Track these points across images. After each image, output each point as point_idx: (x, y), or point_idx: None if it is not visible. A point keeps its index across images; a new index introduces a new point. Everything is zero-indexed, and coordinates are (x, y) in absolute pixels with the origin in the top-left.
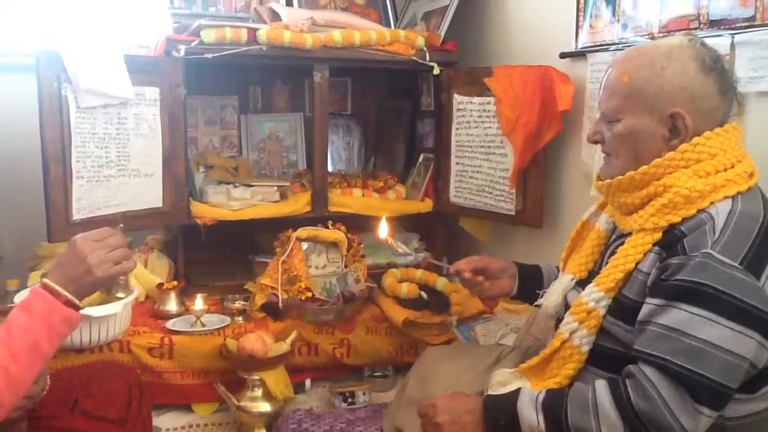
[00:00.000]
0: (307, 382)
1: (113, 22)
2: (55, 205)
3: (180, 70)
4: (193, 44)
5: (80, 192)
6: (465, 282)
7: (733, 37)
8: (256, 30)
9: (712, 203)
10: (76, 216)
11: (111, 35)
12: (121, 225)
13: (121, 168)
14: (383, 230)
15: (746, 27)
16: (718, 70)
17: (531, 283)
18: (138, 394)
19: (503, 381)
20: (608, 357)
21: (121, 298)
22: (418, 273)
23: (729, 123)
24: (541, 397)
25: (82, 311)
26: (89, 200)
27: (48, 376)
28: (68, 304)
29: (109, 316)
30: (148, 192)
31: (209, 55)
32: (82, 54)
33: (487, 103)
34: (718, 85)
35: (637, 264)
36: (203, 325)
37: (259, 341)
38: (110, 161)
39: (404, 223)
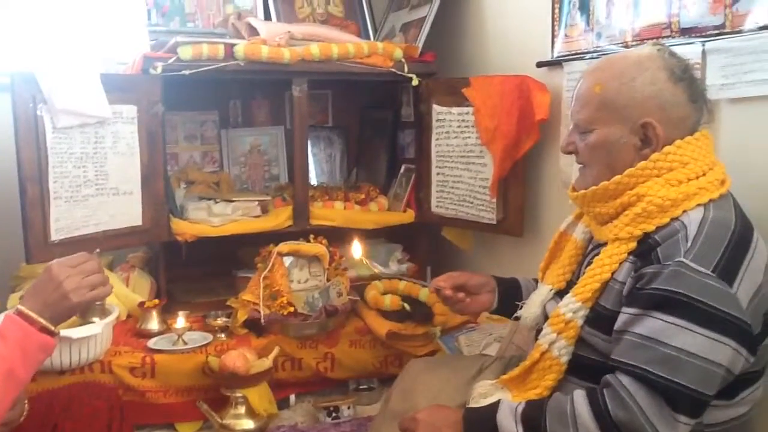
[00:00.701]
0: (292, 398)
1: (89, 40)
2: (33, 225)
3: (157, 87)
4: (170, 61)
5: (58, 212)
6: (445, 300)
7: (703, 45)
8: (233, 45)
9: (684, 211)
10: (55, 236)
11: (87, 54)
12: (98, 250)
13: (100, 187)
14: (357, 250)
15: (716, 35)
16: (688, 79)
17: (510, 297)
18: (119, 415)
19: (485, 393)
20: (588, 367)
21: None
22: (401, 284)
23: (699, 131)
24: (520, 409)
25: (62, 333)
26: (67, 220)
27: (26, 401)
28: (43, 330)
29: (90, 337)
30: (127, 210)
31: (187, 72)
32: (57, 74)
33: (466, 113)
34: (688, 94)
35: (613, 274)
36: (185, 343)
37: (240, 358)
38: (88, 180)
39: (387, 235)
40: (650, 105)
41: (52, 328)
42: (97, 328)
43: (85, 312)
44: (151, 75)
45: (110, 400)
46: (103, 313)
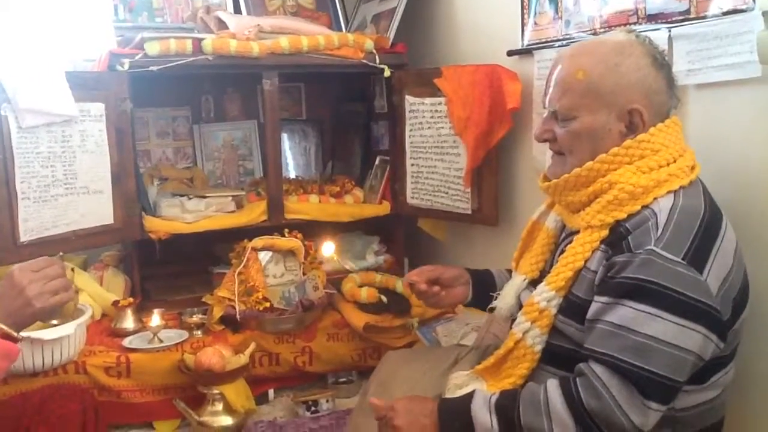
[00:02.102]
0: (271, 393)
1: (54, 37)
2: (2, 227)
3: (125, 84)
4: (137, 57)
5: (27, 213)
6: (420, 294)
7: (669, 31)
8: (201, 40)
9: (655, 199)
10: (24, 237)
11: (51, 51)
12: (61, 253)
13: (69, 186)
14: (328, 249)
15: (682, 20)
16: (666, 65)
17: (484, 289)
18: (93, 417)
19: (460, 383)
20: (562, 355)
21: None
22: (378, 276)
23: (670, 118)
24: (494, 399)
25: (33, 335)
26: (37, 221)
27: None
28: (6, 336)
29: (62, 338)
30: (98, 209)
31: (154, 68)
32: (20, 72)
33: (439, 104)
34: (667, 80)
35: (585, 262)
36: (161, 341)
37: (216, 355)
38: (57, 180)
39: (363, 227)
40: (636, 91)
41: (15, 334)
42: (69, 329)
43: (48, 316)
44: (118, 72)
45: (84, 402)
46: (75, 313)
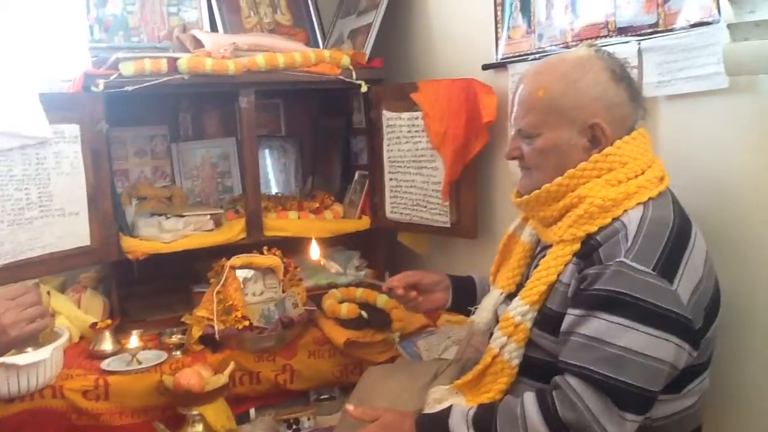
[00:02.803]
0: (252, 412)
1: (28, 59)
2: None
3: (100, 104)
4: (112, 78)
5: (1, 236)
6: (398, 299)
7: (639, 44)
8: (176, 59)
9: (625, 211)
10: None
11: (25, 73)
12: (36, 280)
13: (44, 209)
14: (315, 252)
15: (651, 33)
16: (627, 78)
17: (464, 295)
18: None
19: (439, 398)
20: (539, 368)
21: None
22: (359, 292)
23: (637, 130)
24: (471, 413)
25: (8, 360)
26: (12, 244)
27: None
28: None
29: (38, 363)
30: (74, 231)
31: (130, 88)
32: None
33: (416, 118)
34: (628, 93)
35: (558, 275)
36: (139, 362)
37: (195, 376)
38: (31, 203)
39: (344, 242)
40: (596, 106)
41: None
42: (45, 353)
43: (24, 344)
44: (93, 92)
45: (60, 427)
46: (51, 337)
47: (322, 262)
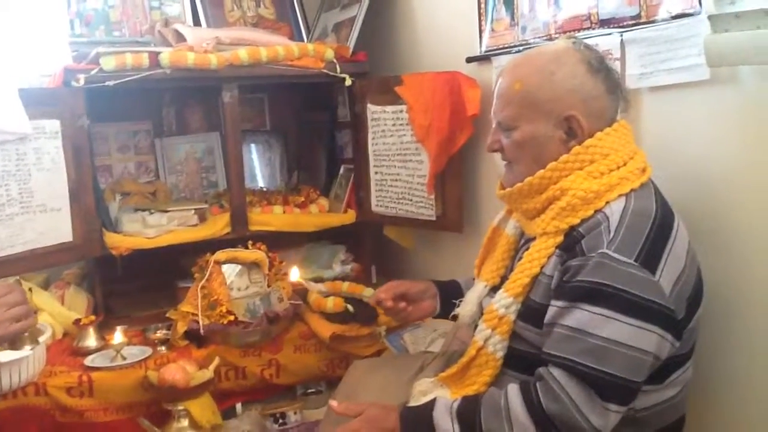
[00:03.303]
0: (238, 407)
1: (6, 53)
2: None
3: (81, 99)
4: (92, 72)
5: None
6: (388, 311)
7: (621, 35)
8: (158, 54)
9: (607, 203)
10: None
11: (4, 68)
12: (17, 277)
13: (25, 205)
14: (294, 274)
15: (633, 25)
16: (604, 70)
17: (452, 301)
18: None
19: (424, 390)
20: (523, 359)
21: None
22: (345, 285)
23: (618, 122)
24: (455, 405)
25: None
26: None
27: None
28: None
29: (20, 360)
30: (56, 227)
31: (111, 83)
32: None
33: (400, 111)
34: (606, 85)
35: (542, 268)
36: (124, 358)
37: (179, 371)
38: (12, 199)
39: (330, 236)
40: (572, 98)
41: None
42: (27, 351)
43: (12, 343)
44: (73, 87)
45: (43, 425)
46: (34, 335)
47: (303, 283)
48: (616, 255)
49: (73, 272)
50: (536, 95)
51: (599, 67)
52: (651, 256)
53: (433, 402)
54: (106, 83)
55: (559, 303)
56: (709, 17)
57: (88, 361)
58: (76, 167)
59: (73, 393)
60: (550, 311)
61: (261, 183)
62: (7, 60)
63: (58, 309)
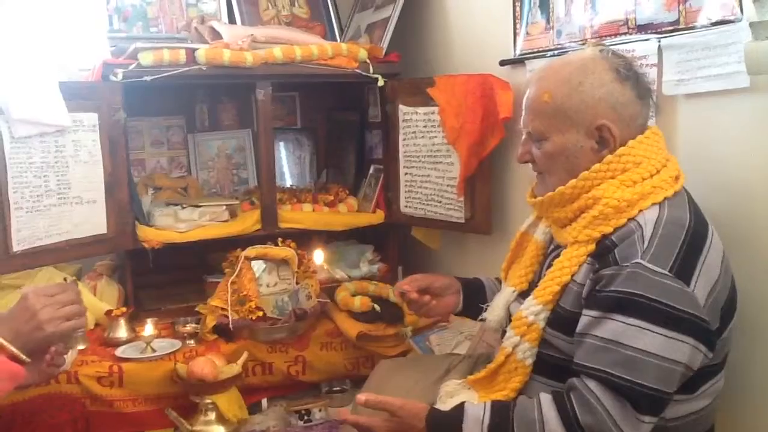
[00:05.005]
0: (264, 402)
1: (48, 47)
2: None
3: (118, 94)
4: (131, 68)
5: (20, 223)
6: (411, 303)
7: (659, 41)
8: (194, 50)
9: (640, 211)
10: (17, 247)
11: (45, 62)
12: (74, 277)
13: (62, 196)
14: (318, 257)
15: (671, 31)
16: (633, 76)
17: (475, 299)
18: (84, 427)
19: (451, 392)
20: (552, 366)
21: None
22: (372, 285)
23: (649, 129)
24: (486, 421)
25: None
26: (29, 231)
27: None
28: (13, 358)
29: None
30: (91, 219)
31: (148, 78)
32: (14, 83)
33: (432, 113)
34: (635, 92)
35: (572, 276)
36: (153, 350)
37: (208, 365)
38: (50, 190)
39: (357, 236)
40: (602, 107)
41: (23, 357)
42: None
43: (63, 341)
44: (111, 82)
45: (74, 412)
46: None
47: (325, 267)
48: (650, 265)
49: (106, 264)
50: (565, 106)
51: (627, 73)
52: (685, 266)
53: (462, 412)
54: (144, 78)
55: (592, 312)
56: (751, 24)
57: (119, 351)
58: (112, 160)
59: (103, 382)
60: (583, 321)
61: (290, 181)
62: (48, 54)
63: (90, 300)
